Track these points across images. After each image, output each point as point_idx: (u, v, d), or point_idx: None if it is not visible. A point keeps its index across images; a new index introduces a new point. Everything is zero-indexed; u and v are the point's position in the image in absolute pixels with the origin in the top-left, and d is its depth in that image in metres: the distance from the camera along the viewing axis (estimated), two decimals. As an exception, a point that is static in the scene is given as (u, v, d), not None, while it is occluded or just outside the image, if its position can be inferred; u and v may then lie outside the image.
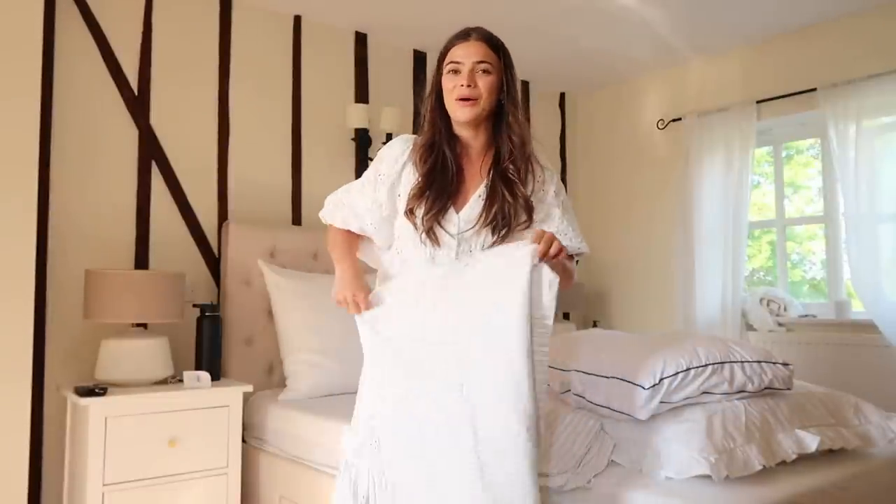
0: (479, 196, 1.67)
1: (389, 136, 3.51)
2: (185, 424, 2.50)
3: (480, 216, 1.64)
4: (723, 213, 3.71)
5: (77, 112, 2.80)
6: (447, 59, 1.66)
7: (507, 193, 1.64)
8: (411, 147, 1.72)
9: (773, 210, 3.88)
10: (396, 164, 1.71)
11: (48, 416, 2.65)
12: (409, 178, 1.69)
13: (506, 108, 1.68)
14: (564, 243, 1.60)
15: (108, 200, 2.85)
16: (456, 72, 1.64)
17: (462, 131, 1.70)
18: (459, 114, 1.64)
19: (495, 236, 1.64)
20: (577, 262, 1.80)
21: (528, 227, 1.66)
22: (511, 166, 1.66)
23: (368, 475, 1.61)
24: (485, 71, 1.63)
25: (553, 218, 1.71)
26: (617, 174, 4.45)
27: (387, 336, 1.61)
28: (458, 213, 1.65)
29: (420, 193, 1.64)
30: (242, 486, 2.66)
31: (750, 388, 1.96)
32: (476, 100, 1.62)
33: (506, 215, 1.64)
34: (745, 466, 1.69)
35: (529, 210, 1.67)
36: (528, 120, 1.58)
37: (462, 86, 1.61)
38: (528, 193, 1.66)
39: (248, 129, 3.26)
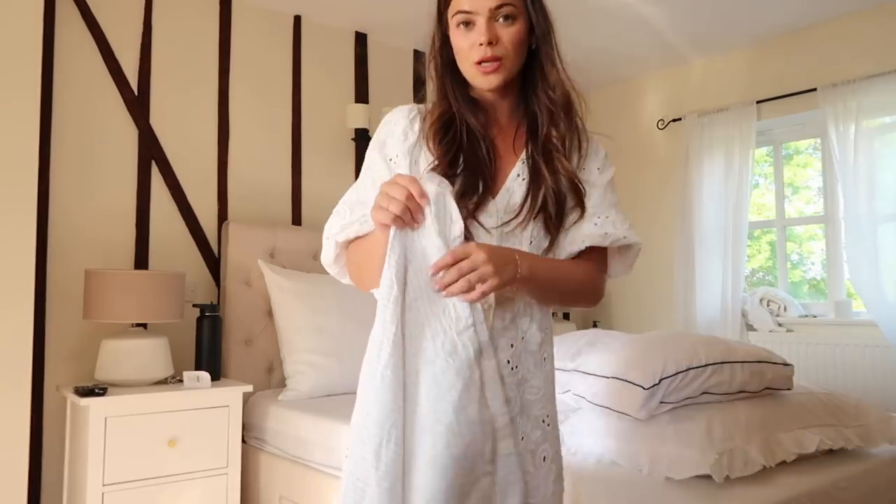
0: (519, 176, 1.26)
1: (389, 136, 3.51)
2: (185, 424, 2.49)
3: (525, 203, 1.23)
4: (723, 213, 3.72)
5: (77, 112, 2.80)
6: (452, 8, 1.26)
7: (548, 172, 1.24)
8: (419, 120, 1.30)
9: (773, 210, 3.88)
10: (407, 140, 1.28)
11: (48, 416, 2.65)
12: (425, 162, 1.25)
13: (540, 53, 1.28)
14: (604, 231, 1.26)
15: (108, 201, 2.85)
16: (468, 24, 1.23)
17: (485, 94, 1.29)
18: (482, 81, 1.24)
19: (549, 231, 1.24)
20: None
21: (580, 217, 1.27)
22: (554, 133, 1.27)
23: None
24: (507, 17, 1.22)
25: (591, 196, 1.29)
26: (617, 174, 4.42)
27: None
28: (493, 198, 1.24)
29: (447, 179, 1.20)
30: (242, 486, 2.66)
31: (750, 388, 1.96)
32: (501, 60, 1.22)
33: (559, 200, 1.24)
34: (745, 466, 1.69)
35: (578, 192, 1.26)
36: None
37: (481, 45, 1.21)
38: (574, 169, 1.27)
39: (248, 129, 3.26)
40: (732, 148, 3.71)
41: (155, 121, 2.99)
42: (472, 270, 1.09)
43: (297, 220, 3.40)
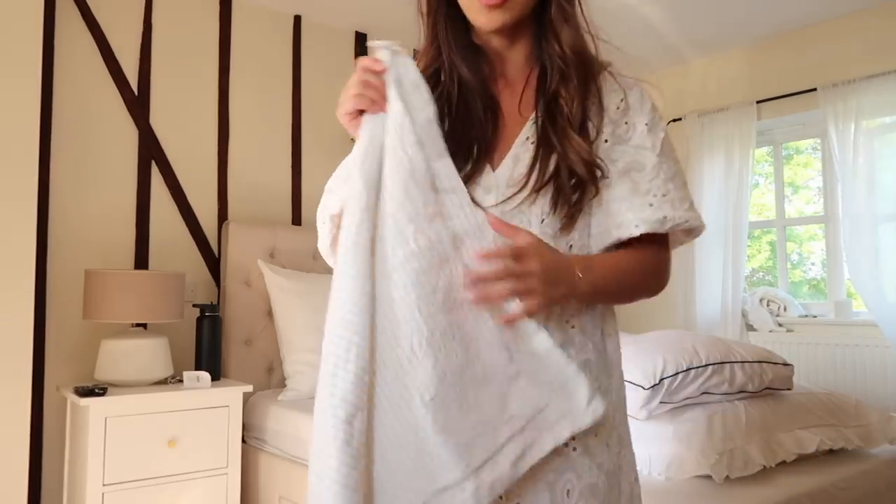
0: (528, 139, 1.01)
1: (389, 136, 3.51)
2: (185, 424, 2.49)
3: (531, 172, 0.98)
4: (723, 212, 3.72)
5: (77, 112, 2.80)
6: None
7: (556, 137, 0.99)
8: None
9: (773, 210, 3.88)
10: None
11: (48, 416, 2.65)
12: None
13: None
14: (662, 214, 0.98)
15: (108, 201, 2.85)
16: None
17: (490, 40, 1.07)
18: (483, 20, 1.01)
19: (562, 209, 0.97)
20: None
21: (595, 195, 1.00)
22: (563, 91, 1.02)
23: None
24: None
25: (643, 169, 1.00)
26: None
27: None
28: (494, 170, 1.00)
29: None
30: (242, 486, 2.66)
31: (750, 388, 1.96)
32: None
33: (575, 170, 0.97)
34: (745, 466, 1.69)
35: (590, 165, 0.98)
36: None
37: None
38: (593, 133, 1.01)
39: (248, 129, 3.26)
40: (732, 148, 3.71)
41: (155, 121, 2.99)
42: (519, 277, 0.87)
43: (297, 220, 3.40)
